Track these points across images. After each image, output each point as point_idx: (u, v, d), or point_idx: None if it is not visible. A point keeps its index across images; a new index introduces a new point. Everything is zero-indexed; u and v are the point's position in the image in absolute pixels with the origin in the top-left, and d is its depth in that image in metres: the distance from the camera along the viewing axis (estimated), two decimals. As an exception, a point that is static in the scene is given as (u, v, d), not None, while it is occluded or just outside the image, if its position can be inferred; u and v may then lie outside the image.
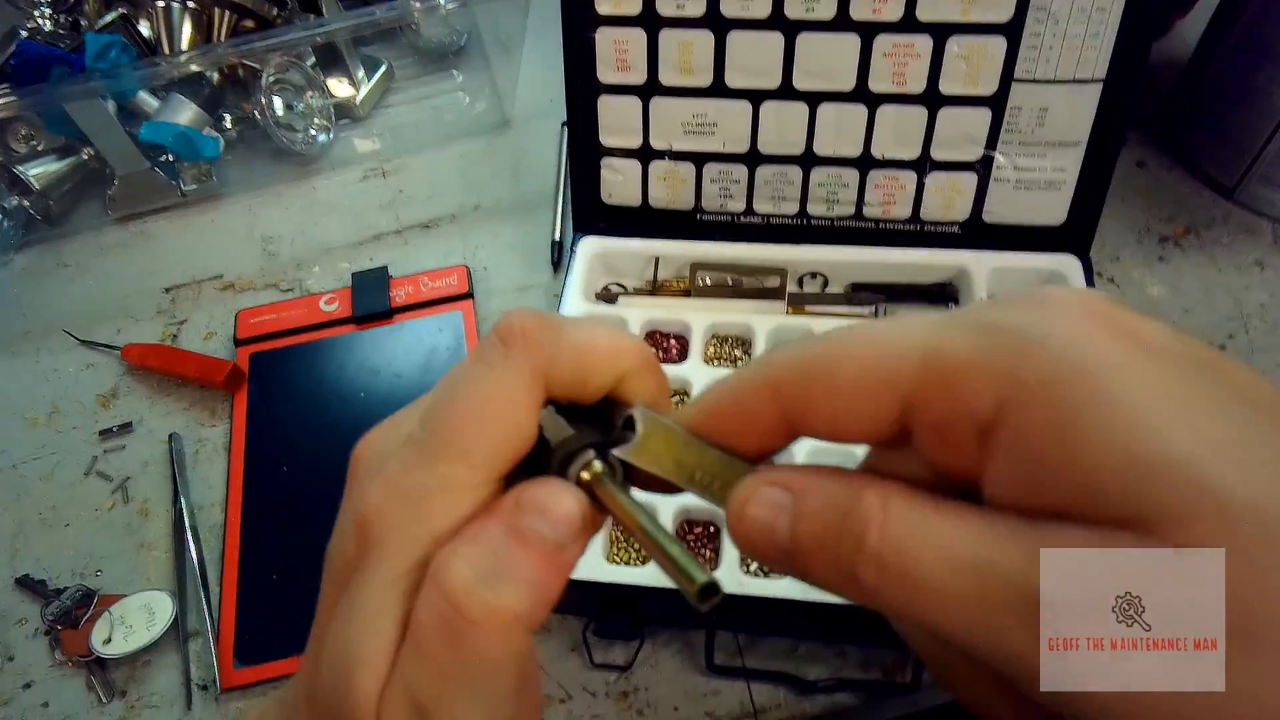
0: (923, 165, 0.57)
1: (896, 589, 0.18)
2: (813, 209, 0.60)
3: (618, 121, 0.59)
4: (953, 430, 0.18)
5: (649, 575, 0.48)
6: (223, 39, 0.76)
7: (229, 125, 0.79)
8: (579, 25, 0.56)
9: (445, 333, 0.66)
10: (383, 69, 0.82)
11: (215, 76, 0.78)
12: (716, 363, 0.59)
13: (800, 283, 0.61)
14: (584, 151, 0.61)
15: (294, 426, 0.62)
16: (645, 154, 0.60)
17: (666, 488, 0.23)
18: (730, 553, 0.49)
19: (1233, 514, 0.15)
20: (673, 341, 0.60)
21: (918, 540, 0.18)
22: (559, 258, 0.69)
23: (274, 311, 0.68)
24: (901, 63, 0.54)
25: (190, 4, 0.75)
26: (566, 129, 0.65)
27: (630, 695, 0.50)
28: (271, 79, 0.73)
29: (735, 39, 0.55)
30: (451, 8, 0.69)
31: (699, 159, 0.60)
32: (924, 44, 0.53)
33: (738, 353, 0.59)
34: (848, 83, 0.55)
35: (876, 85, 0.55)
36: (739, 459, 0.22)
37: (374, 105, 0.82)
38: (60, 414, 0.66)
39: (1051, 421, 0.17)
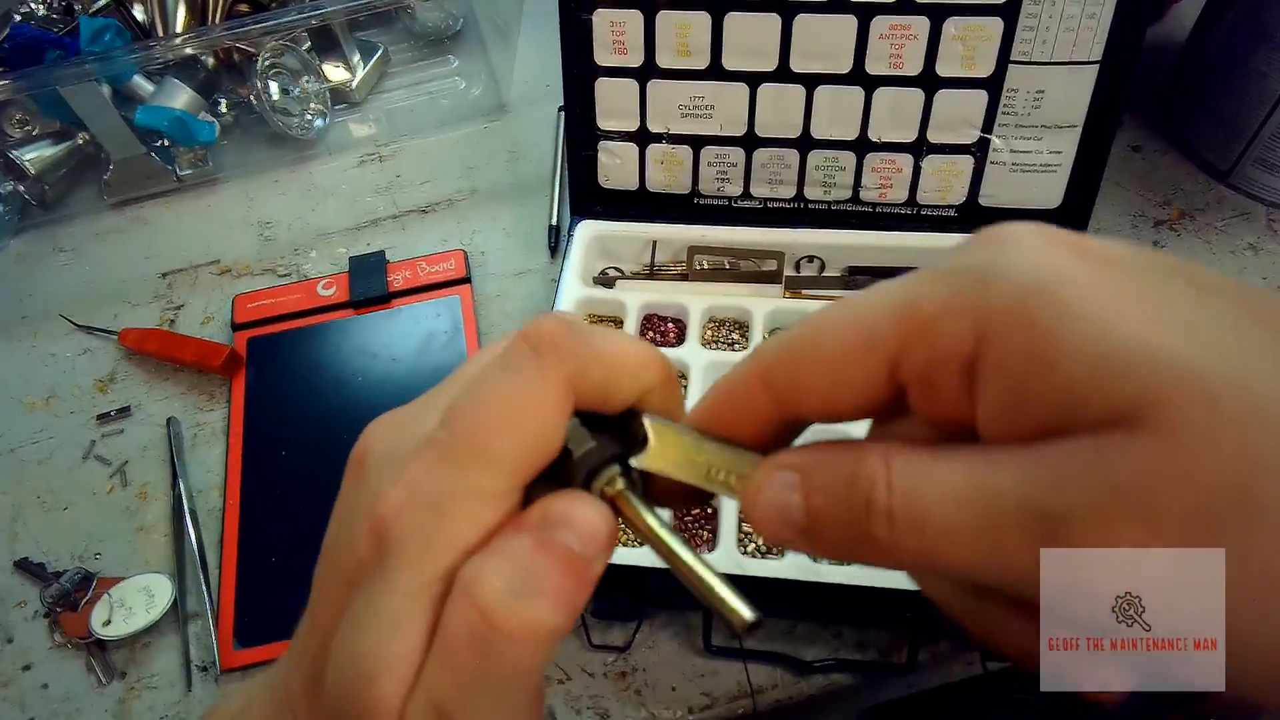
0: (919, 148, 0.57)
1: (911, 540, 0.18)
2: (809, 192, 0.60)
3: (615, 104, 0.59)
4: (940, 378, 0.19)
5: (647, 556, 0.48)
6: (217, 22, 0.76)
7: (224, 110, 0.78)
8: (575, 8, 0.56)
9: (442, 317, 0.66)
10: (379, 53, 0.82)
11: (210, 61, 0.77)
12: (714, 346, 0.59)
13: (797, 266, 0.61)
14: (581, 135, 0.60)
15: (291, 410, 0.62)
16: (642, 137, 0.60)
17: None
18: (728, 534, 0.49)
19: (1212, 390, 0.15)
20: (670, 325, 0.61)
21: (922, 487, 0.18)
22: (556, 242, 0.69)
23: (271, 296, 0.68)
24: (898, 44, 0.54)
25: (185, -13, 0.75)
26: (563, 113, 0.65)
27: (628, 676, 0.50)
28: (267, 63, 0.73)
29: (732, 21, 0.55)
30: (447, -9, 0.69)
31: (696, 142, 0.60)
32: (921, 25, 0.53)
33: (735, 336, 0.59)
34: (845, 65, 0.55)
35: (873, 67, 0.55)
36: (750, 451, 0.22)
37: (370, 90, 0.82)
38: (58, 398, 0.66)
39: (1025, 342, 0.17)
